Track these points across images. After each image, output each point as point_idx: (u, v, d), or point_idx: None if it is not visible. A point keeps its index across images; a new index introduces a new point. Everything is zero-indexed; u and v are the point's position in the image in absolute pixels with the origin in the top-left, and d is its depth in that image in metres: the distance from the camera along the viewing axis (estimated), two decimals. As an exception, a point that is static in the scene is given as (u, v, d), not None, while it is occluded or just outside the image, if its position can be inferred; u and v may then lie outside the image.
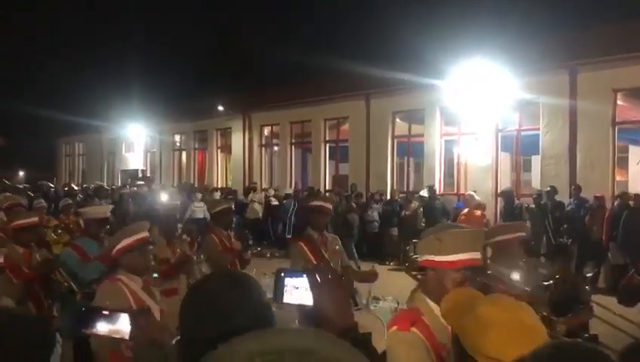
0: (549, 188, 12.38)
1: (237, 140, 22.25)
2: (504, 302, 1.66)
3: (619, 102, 12.84)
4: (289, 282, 1.54)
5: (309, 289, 1.50)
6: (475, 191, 13.81)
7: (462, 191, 15.46)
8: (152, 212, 8.08)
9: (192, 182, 23.77)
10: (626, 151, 14.91)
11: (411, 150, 17.22)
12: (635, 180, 14.05)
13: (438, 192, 14.77)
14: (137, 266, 3.54)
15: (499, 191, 13.89)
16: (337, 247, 5.05)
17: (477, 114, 14.36)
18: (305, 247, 4.79)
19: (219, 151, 23.88)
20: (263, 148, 21.82)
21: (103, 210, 5.93)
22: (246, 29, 25.83)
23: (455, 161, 16.17)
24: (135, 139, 27.35)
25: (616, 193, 12.01)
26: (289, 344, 0.85)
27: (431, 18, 19.68)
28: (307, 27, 24.10)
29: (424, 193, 14.28)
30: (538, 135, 13.71)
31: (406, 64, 14.66)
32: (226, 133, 23.31)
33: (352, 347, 0.90)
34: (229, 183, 21.73)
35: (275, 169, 21.30)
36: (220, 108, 22.05)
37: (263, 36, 23.86)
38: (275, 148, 21.47)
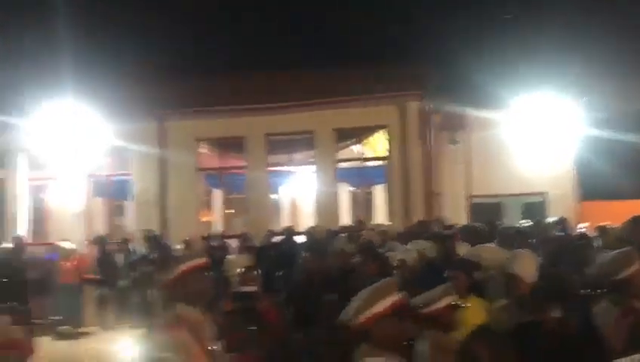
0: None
1: None
2: None
3: (200, 150, 14.33)
4: None
5: None
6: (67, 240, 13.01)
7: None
8: None
9: None
10: (210, 194, 16.38)
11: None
12: (218, 220, 15.61)
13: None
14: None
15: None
16: None
17: (66, 158, 13.72)
18: None
19: None
20: None
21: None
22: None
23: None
24: None
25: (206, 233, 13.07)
26: None
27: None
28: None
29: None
30: (129, 181, 14.17)
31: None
32: None
33: None
34: None
35: None
36: None
37: None
38: None
